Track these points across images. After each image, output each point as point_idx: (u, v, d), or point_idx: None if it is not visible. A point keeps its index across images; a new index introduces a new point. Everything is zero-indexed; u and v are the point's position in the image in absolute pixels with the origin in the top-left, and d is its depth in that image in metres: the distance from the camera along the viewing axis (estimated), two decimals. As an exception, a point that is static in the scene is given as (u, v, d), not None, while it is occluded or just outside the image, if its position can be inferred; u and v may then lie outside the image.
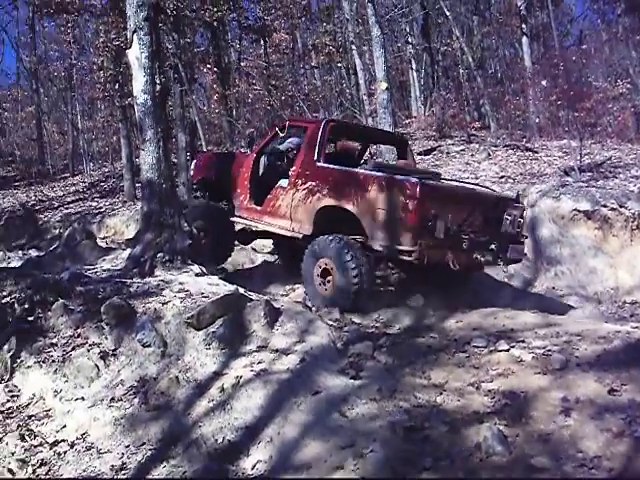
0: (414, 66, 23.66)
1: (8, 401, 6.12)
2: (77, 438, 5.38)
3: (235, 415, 5.07)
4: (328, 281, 7.47)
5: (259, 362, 5.60)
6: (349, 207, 7.58)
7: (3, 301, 7.45)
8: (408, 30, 24.26)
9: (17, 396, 6.18)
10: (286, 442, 4.67)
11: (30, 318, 6.92)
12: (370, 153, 12.59)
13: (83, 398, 5.79)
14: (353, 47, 19.96)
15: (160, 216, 8.10)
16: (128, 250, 8.74)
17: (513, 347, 5.59)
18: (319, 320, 6.28)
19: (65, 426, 5.59)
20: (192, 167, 10.93)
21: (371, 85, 19.96)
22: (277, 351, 5.75)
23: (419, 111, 21.96)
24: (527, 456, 4.12)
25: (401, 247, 7.07)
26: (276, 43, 24.15)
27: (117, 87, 20.18)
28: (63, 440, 5.41)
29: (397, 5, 22.88)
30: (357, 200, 7.50)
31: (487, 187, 9.60)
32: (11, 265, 9.69)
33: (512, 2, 24.27)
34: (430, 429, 4.50)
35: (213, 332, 5.96)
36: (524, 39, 21.33)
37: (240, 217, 9.36)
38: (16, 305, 7.08)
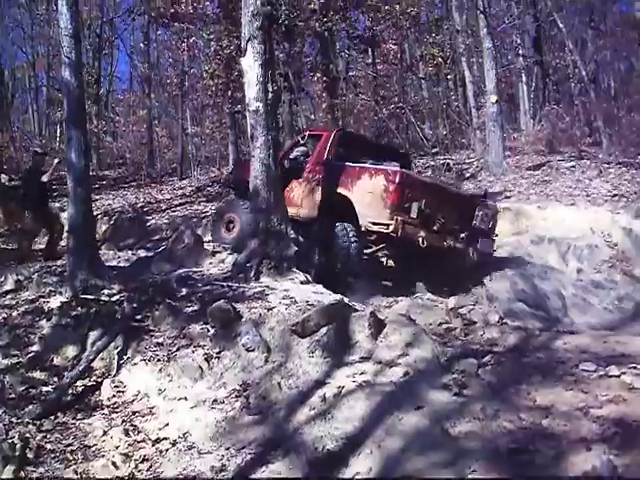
0: (524, 79, 23.18)
1: (114, 396, 6.31)
2: (179, 437, 5.47)
3: (336, 425, 5.01)
4: None
5: (362, 373, 5.54)
6: (346, 193, 9.35)
7: (113, 299, 7.70)
8: (519, 42, 23.80)
9: (122, 392, 6.35)
10: (386, 455, 4.58)
11: (138, 317, 7.12)
12: None
13: (186, 398, 5.89)
14: (462, 59, 19.75)
15: (267, 222, 8.19)
16: (234, 255, 8.88)
17: (624, 373, 5.29)
18: (424, 334, 6.17)
19: (168, 424, 5.69)
20: (232, 173, 13.36)
21: (479, 97, 19.69)
22: (380, 363, 5.67)
23: (528, 125, 21.49)
24: (638, 488, 3.91)
25: (381, 221, 8.73)
26: (384, 53, 24.07)
27: (227, 94, 20.53)
28: (165, 438, 5.51)
29: (509, 17, 22.45)
30: (351, 187, 9.32)
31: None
32: (121, 264, 9.94)
33: (630, 14, 23.45)
34: (535, 453, 4.29)
35: (317, 340, 5.95)
36: (642, 53, 20.64)
37: None
38: (125, 304, 7.28)
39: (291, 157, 10.97)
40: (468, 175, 16.15)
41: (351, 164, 9.72)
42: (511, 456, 4.30)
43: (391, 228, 8.60)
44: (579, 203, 11.75)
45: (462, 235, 9.25)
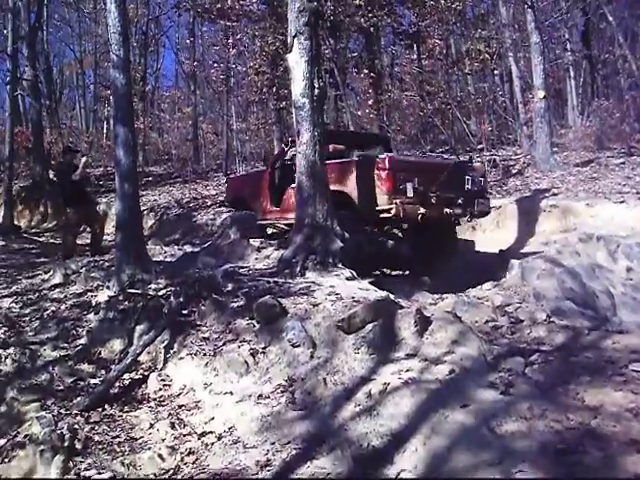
0: (572, 74, 22.85)
1: (160, 389, 6.37)
2: (224, 431, 5.48)
3: (381, 422, 4.98)
4: None
5: (408, 370, 5.49)
6: (343, 189, 9.50)
7: (160, 293, 7.78)
8: (567, 36, 23.47)
9: (169, 385, 6.42)
10: (432, 453, 4.54)
11: (184, 311, 7.17)
12: None
13: (232, 393, 5.91)
14: (509, 53, 19.53)
15: (312, 218, 8.19)
16: (280, 250, 8.91)
17: (677, 374, 5.25)
18: (470, 332, 6.11)
19: (213, 418, 5.72)
20: (225, 189, 14.15)
21: (526, 93, 19.45)
22: (426, 360, 5.61)
23: (576, 121, 21.18)
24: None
25: (381, 207, 9.06)
26: (430, 48, 23.89)
27: (272, 90, 20.61)
28: (211, 432, 5.53)
29: (557, 10, 22.12)
30: (347, 182, 9.51)
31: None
32: (167, 259, 10.03)
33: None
34: (583, 454, 4.21)
35: (363, 337, 5.91)
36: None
37: (266, 219, 11.42)
38: (172, 298, 7.35)
39: (281, 165, 11.55)
40: (515, 171, 15.95)
41: (340, 160, 10.15)
42: (559, 457, 4.23)
43: (393, 212, 8.96)
44: (629, 200, 11.51)
45: (459, 201, 9.69)
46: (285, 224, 11.01)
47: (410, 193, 9.09)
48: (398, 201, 8.95)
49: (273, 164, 11.80)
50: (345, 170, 9.67)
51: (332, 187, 9.21)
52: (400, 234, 10.90)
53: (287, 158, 11.42)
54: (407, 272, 10.68)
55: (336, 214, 8.66)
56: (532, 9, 15.84)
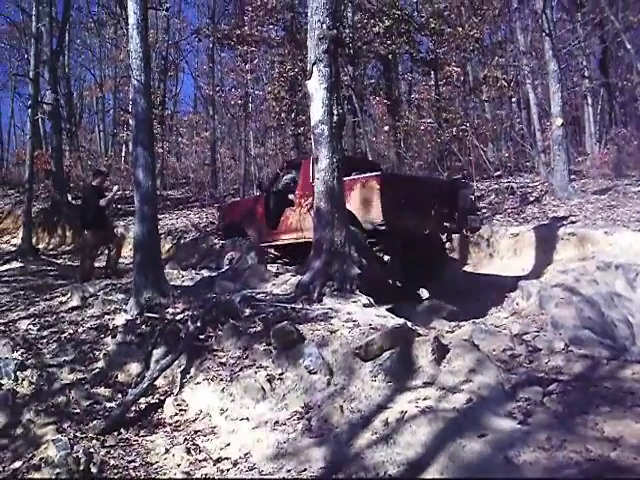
0: (590, 101, 22.83)
1: (176, 414, 6.37)
2: (240, 457, 5.47)
3: (398, 450, 4.95)
4: None
5: (425, 398, 5.47)
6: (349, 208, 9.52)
7: (177, 317, 7.79)
8: (585, 64, 23.49)
9: (185, 410, 6.42)
10: (449, 483, 4.52)
11: (201, 336, 7.18)
12: None
13: (248, 419, 5.91)
14: (527, 81, 19.55)
15: (331, 244, 8.20)
16: (298, 276, 8.92)
17: (697, 406, 5.19)
18: (488, 360, 6.08)
19: (229, 444, 5.71)
20: (217, 217, 14.69)
21: (544, 120, 19.44)
22: (444, 389, 5.60)
23: (593, 148, 21.15)
24: None
25: (377, 221, 9.46)
26: (447, 75, 23.94)
27: (291, 116, 20.72)
28: (226, 458, 5.52)
29: (574, 38, 22.16)
30: (349, 200, 9.51)
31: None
32: (185, 284, 10.05)
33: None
34: (604, 486, 4.21)
35: (380, 364, 5.90)
36: None
37: (264, 242, 11.96)
38: (189, 322, 7.36)
39: (276, 189, 12.32)
40: (532, 199, 15.91)
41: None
42: (578, 488, 4.20)
43: (387, 226, 9.50)
44: (648, 229, 11.48)
45: (454, 216, 10.44)
46: (282, 245, 11.74)
47: (402, 207, 9.58)
48: (391, 215, 9.53)
49: (269, 189, 12.49)
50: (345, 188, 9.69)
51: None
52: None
53: (282, 182, 12.30)
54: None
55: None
56: (550, 37, 15.88)
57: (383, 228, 9.56)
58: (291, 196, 11.61)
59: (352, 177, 10.07)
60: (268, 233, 11.89)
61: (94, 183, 12.14)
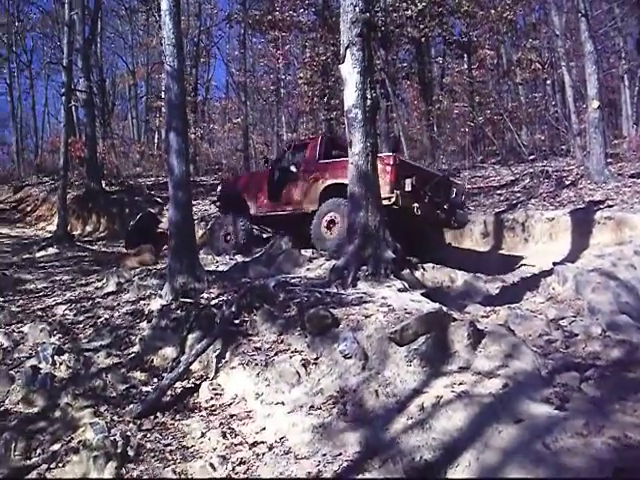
0: (627, 83, 22.48)
1: (212, 399, 6.38)
2: (275, 441, 5.46)
3: (433, 435, 4.91)
4: (332, 229, 10.98)
5: (460, 383, 5.43)
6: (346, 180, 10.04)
7: (212, 302, 7.81)
8: (622, 45, 23.11)
9: (220, 395, 6.43)
10: (485, 468, 4.47)
11: (236, 321, 7.19)
12: None
13: (283, 403, 5.90)
14: (562, 63, 19.28)
15: (364, 228, 8.17)
16: (332, 260, 8.90)
17: None
18: (524, 345, 6.02)
19: (264, 428, 5.71)
20: (219, 189, 15.26)
21: (579, 103, 19.17)
22: (479, 374, 5.55)
23: (630, 131, 20.84)
24: None
25: (383, 196, 9.53)
26: (480, 59, 23.71)
27: (323, 101, 20.64)
28: (262, 442, 5.51)
29: (611, 19, 21.78)
30: None
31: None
32: (219, 269, 10.09)
33: None
34: (642, 473, 4.14)
35: (415, 349, 5.86)
36: None
37: (264, 212, 13.03)
38: (224, 307, 7.38)
39: (281, 166, 13.15)
40: (568, 183, 15.70)
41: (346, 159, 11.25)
42: (617, 475, 4.13)
43: (392, 200, 10.24)
44: (687, 212, 11.31)
45: (445, 207, 11.46)
46: (283, 214, 12.63)
47: (408, 187, 10.50)
48: (398, 192, 10.35)
49: (274, 165, 13.37)
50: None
51: (334, 180, 11.20)
52: None
53: (287, 159, 13.20)
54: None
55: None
56: (586, 18, 15.61)
57: (390, 203, 10.23)
58: (294, 171, 12.48)
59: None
60: (269, 204, 12.92)
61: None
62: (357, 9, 8.46)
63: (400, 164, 10.88)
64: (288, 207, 12.48)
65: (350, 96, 8.43)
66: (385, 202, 9.78)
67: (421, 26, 19.56)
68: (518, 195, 15.49)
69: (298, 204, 12.20)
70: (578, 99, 19.35)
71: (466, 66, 23.84)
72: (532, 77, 22.68)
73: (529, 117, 21.67)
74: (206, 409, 6.24)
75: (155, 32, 27.34)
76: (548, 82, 23.94)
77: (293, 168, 12.57)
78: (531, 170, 17.15)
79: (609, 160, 15.96)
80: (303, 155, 12.78)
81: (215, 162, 29.10)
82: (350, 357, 6.06)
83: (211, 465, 5.23)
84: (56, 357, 7.13)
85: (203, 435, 5.74)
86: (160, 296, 8.49)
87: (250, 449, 5.46)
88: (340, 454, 5.07)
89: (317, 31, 21.03)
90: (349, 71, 8.45)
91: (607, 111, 22.53)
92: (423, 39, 20.97)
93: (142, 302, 8.68)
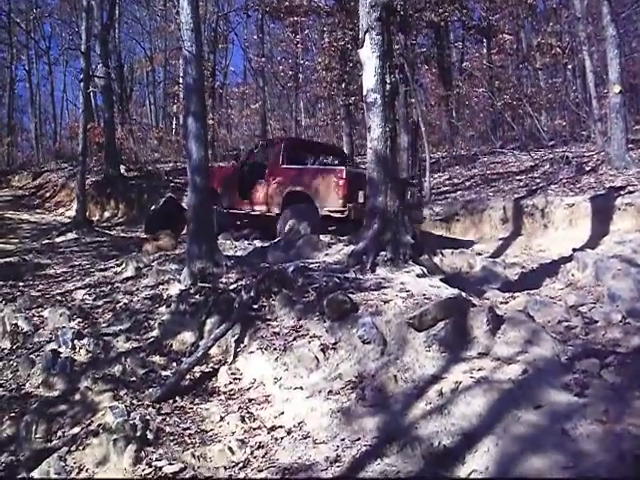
0: (648, 68, 22.28)
1: (230, 383, 6.40)
2: (294, 426, 5.47)
3: (452, 420, 4.90)
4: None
5: (479, 369, 5.41)
6: (304, 190, 11.86)
7: (231, 287, 7.83)
8: (644, 29, 22.90)
9: (239, 379, 6.44)
10: (504, 454, 4.45)
11: (255, 306, 7.19)
12: None
13: (302, 388, 5.90)
14: (583, 47, 19.08)
15: (384, 213, 8.14)
16: (350, 246, 8.89)
17: None
18: (543, 331, 5.98)
19: (283, 413, 5.71)
20: None
21: (600, 88, 18.97)
22: (499, 359, 5.52)
23: (652, 116, 20.64)
24: None
25: (337, 208, 11.10)
26: (500, 43, 23.52)
27: (342, 86, 20.57)
28: (280, 426, 5.52)
29: (634, 2, 21.50)
30: (309, 185, 11.83)
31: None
32: (237, 254, 10.10)
33: None
34: (663, 462, 4.10)
35: (434, 334, 5.85)
36: None
37: (234, 208, 13.69)
38: (242, 292, 7.38)
39: (249, 163, 13.98)
40: (588, 169, 15.57)
41: (305, 167, 13.09)
42: (637, 463, 4.09)
43: (345, 214, 11.06)
44: None
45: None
46: (251, 214, 13.44)
47: (361, 199, 10.69)
48: (350, 205, 11.01)
49: (243, 162, 14.24)
50: (309, 176, 12.12)
51: (294, 188, 12.04)
52: None
53: (255, 158, 14.14)
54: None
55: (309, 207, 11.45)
56: (608, 1, 15.41)
57: (344, 216, 11.10)
58: (261, 173, 13.12)
59: (317, 167, 13.00)
60: (239, 201, 13.63)
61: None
62: (376, -7, 8.40)
63: (352, 176, 11.37)
64: (255, 207, 13.21)
65: (369, 80, 8.37)
66: (338, 215, 11.14)
67: (440, 10, 19.43)
68: (538, 181, 15.39)
69: (264, 205, 12.89)
70: (599, 84, 19.12)
71: (485, 51, 23.70)
72: (552, 62, 22.47)
73: (549, 102, 21.49)
74: (225, 393, 6.25)
75: (173, 17, 27.36)
76: (569, 67, 23.70)
77: (259, 170, 13.25)
78: (551, 156, 17.03)
79: (630, 146, 15.78)
80: (269, 158, 13.57)
81: (233, 148, 29.09)
82: (369, 342, 6.04)
83: (230, 449, 5.24)
84: (76, 341, 7.18)
85: (222, 419, 5.75)
86: (179, 281, 8.52)
87: (268, 433, 5.47)
88: (358, 439, 5.07)
89: (335, 16, 20.88)
90: (368, 55, 8.38)
91: (628, 96, 22.29)
92: (442, 23, 20.87)
93: (161, 287, 8.71)
